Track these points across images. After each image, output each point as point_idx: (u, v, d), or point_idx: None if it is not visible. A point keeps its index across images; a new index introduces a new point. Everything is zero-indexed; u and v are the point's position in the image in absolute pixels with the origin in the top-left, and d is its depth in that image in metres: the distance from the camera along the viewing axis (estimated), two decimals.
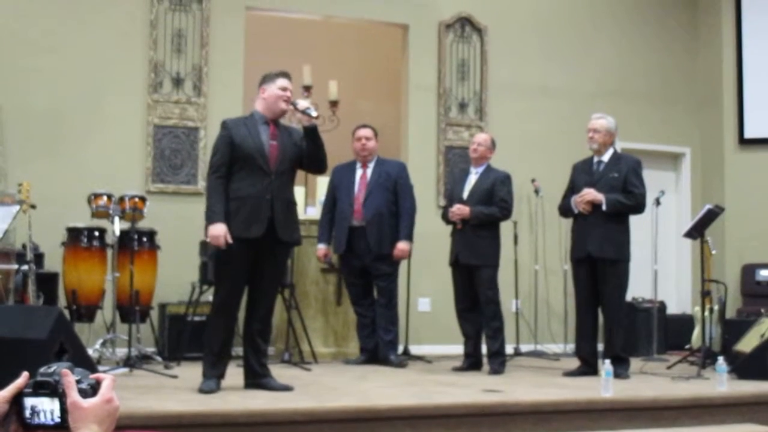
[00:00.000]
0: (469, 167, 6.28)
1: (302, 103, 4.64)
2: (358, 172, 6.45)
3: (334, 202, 6.46)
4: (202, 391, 4.39)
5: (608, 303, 5.73)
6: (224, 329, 4.57)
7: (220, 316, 4.57)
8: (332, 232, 6.41)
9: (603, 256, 5.67)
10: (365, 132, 6.49)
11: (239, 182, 4.53)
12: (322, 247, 6.44)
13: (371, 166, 6.44)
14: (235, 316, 4.65)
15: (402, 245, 6.26)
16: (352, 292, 6.44)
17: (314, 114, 4.59)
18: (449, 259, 6.13)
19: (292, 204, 4.71)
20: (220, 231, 4.42)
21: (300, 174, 6.94)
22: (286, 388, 4.54)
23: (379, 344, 6.29)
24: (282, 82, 4.64)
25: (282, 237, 4.58)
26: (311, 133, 4.62)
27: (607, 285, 5.70)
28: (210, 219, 4.48)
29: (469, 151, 6.30)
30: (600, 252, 5.67)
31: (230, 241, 4.43)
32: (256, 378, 4.61)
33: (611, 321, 5.74)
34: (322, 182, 7.08)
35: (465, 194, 6.07)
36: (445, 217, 6.18)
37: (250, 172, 4.52)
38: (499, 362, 5.87)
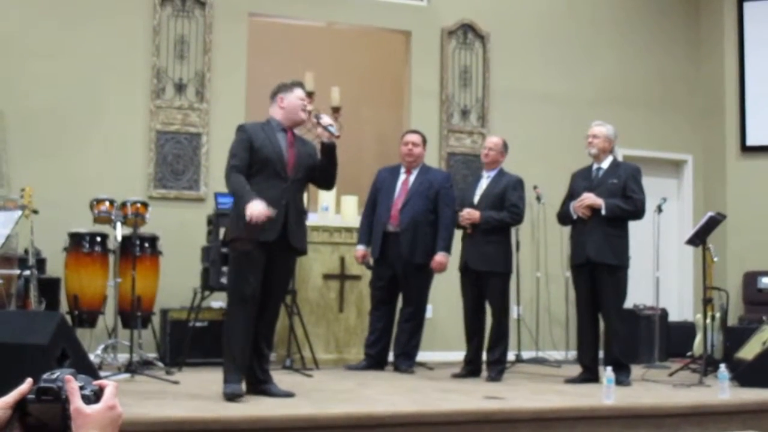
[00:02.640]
0: (480, 172, 6.26)
1: (326, 119, 4.69)
2: (401, 177, 6.41)
3: (375, 205, 6.42)
4: (227, 395, 4.32)
5: (607, 309, 5.73)
6: (243, 334, 4.49)
7: (238, 322, 4.49)
8: (372, 234, 6.36)
9: (602, 261, 5.67)
10: (413, 137, 6.46)
11: (255, 186, 4.51)
12: (361, 249, 6.38)
13: (415, 172, 6.40)
14: (253, 317, 4.53)
15: (440, 257, 6.18)
16: (374, 296, 6.37)
17: (336, 132, 4.65)
18: (459, 265, 6.10)
19: (303, 213, 4.76)
20: (260, 205, 4.34)
21: None
22: (288, 395, 4.53)
23: (395, 350, 6.30)
24: (299, 92, 4.71)
25: (293, 244, 4.61)
26: (330, 150, 4.67)
27: (606, 291, 5.69)
28: (245, 199, 4.39)
29: (480, 156, 6.28)
30: (599, 257, 5.67)
31: (272, 213, 4.39)
32: (259, 384, 4.60)
33: (610, 327, 5.73)
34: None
35: (476, 198, 6.05)
36: (456, 222, 6.16)
37: (268, 176, 4.54)
38: (498, 370, 5.86)
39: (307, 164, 4.70)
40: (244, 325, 4.51)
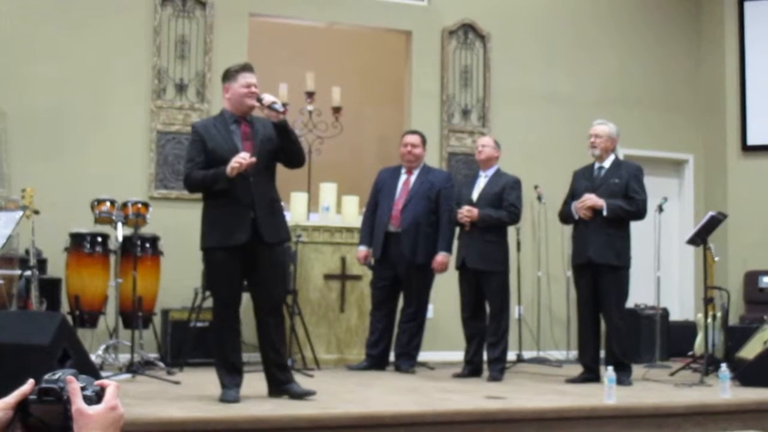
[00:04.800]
0: (477, 172, 6.26)
1: (268, 98, 4.45)
2: (402, 178, 6.41)
3: (376, 205, 6.41)
4: (225, 400, 4.28)
5: (608, 309, 5.72)
6: (231, 337, 4.48)
7: (224, 326, 4.49)
8: (373, 235, 6.35)
9: (604, 262, 5.66)
10: (413, 138, 6.45)
11: (217, 189, 4.38)
12: (363, 250, 6.39)
13: (416, 173, 6.40)
14: (238, 321, 4.55)
15: (441, 258, 6.20)
16: (375, 296, 6.37)
17: (281, 109, 4.42)
18: (455, 262, 6.11)
19: (275, 202, 4.56)
20: (235, 162, 4.22)
21: (303, 179, 7.02)
22: (308, 393, 4.44)
23: (396, 350, 6.30)
24: (245, 78, 4.47)
25: (267, 239, 4.43)
26: (282, 129, 4.45)
27: (608, 291, 5.68)
28: (218, 173, 4.30)
29: (475, 155, 6.29)
30: (601, 258, 5.66)
31: (251, 158, 4.26)
32: (280, 385, 4.50)
33: (611, 327, 5.73)
34: (326, 189, 7.09)
35: (474, 197, 6.05)
36: (453, 220, 6.15)
37: (229, 178, 4.33)
38: (498, 369, 5.86)
39: (268, 150, 4.48)
40: (232, 327, 4.50)
